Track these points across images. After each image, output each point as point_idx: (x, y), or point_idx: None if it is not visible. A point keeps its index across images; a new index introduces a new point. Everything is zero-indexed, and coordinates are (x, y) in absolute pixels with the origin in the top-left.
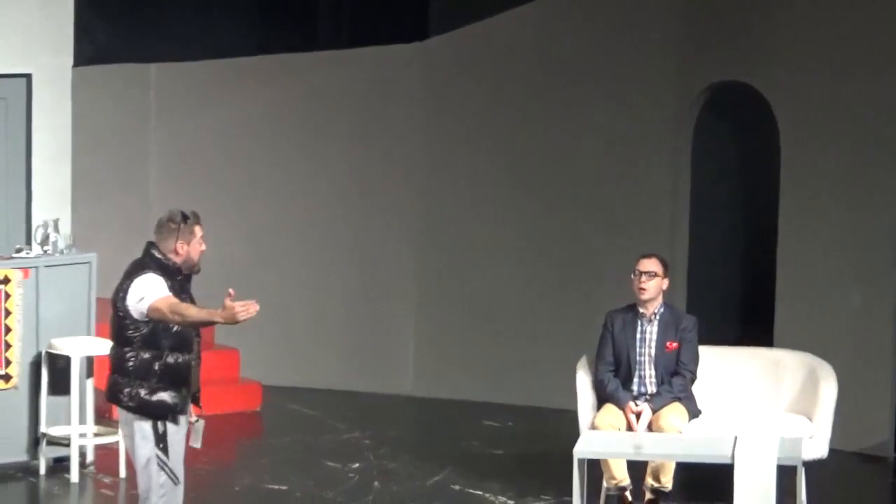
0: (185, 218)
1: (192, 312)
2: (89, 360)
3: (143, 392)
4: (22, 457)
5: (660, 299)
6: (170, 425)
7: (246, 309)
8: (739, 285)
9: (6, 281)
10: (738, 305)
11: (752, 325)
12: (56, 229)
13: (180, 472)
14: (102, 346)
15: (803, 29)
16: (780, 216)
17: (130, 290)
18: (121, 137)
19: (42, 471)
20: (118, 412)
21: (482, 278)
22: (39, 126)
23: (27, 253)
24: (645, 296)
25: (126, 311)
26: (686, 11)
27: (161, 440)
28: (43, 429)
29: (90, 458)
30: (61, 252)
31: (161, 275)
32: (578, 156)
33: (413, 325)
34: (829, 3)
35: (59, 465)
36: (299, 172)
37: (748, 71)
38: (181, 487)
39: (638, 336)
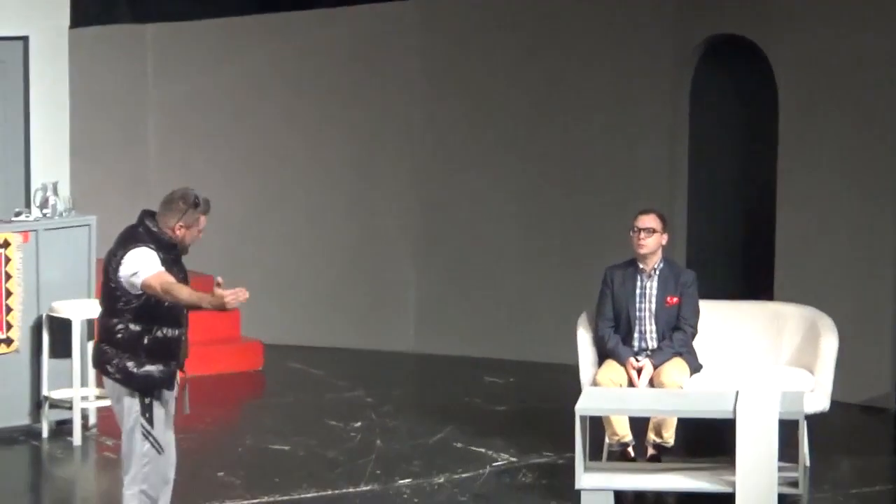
0: (195, 203)
1: (184, 295)
2: (90, 323)
3: (130, 364)
4: (24, 420)
5: (659, 254)
6: (165, 399)
7: (235, 296)
8: (739, 239)
9: (6, 244)
10: (737, 260)
11: (752, 280)
12: (55, 192)
13: (164, 440)
14: None
15: None
16: (779, 169)
17: (123, 263)
18: (119, 99)
19: (45, 434)
20: (104, 379)
21: (482, 234)
22: (37, 89)
23: (27, 216)
24: (643, 251)
25: (118, 283)
26: None
27: (146, 410)
28: (45, 392)
29: (92, 420)
30: (60, 215)
31: (155, 248)
32: (576, 111)
33: (414, 281)
34: None
35: (62, 428)
36: (298, 131)
37: (745, 24)
38: (166, 455)
39: (638, 291)
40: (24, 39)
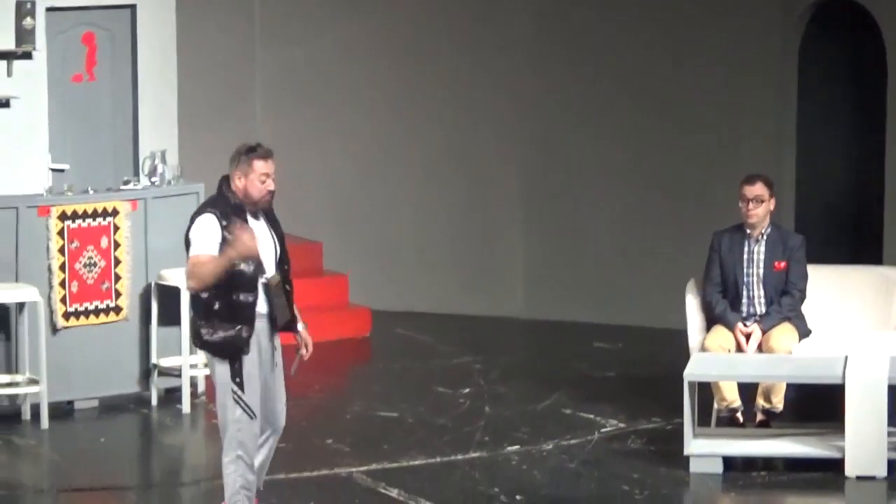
0: (249, 150)
1: (208, 269)
2: None
3: (204, 332)
4: (134, 388)
5: (767, 220)
6: (246, 360)
7: (241, 232)
8: (849, 203)
9: (115, 213)
10: (847, 224)
11: (861, 244)
12: (163, 160)
13: (257, 405)
14: None
15: None
16: (888, 134)
17: (189, 233)
18: (226, 65)
19: (154, 401)
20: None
21: (591, 199)
22: (144, 57)
23: (135, 185)
24: (753, 220)
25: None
26: None
27: (236, 375)
28: (154, 360)
29: (201, 388)
30: (169, 183)
31: (218, 214)
32: (685, 76)
33: (522, 246)
34: None
35: (171, 396)
36: (403, 96)
37: None
38: (257, 421)
39: (745, 256)
40: (132, 7)
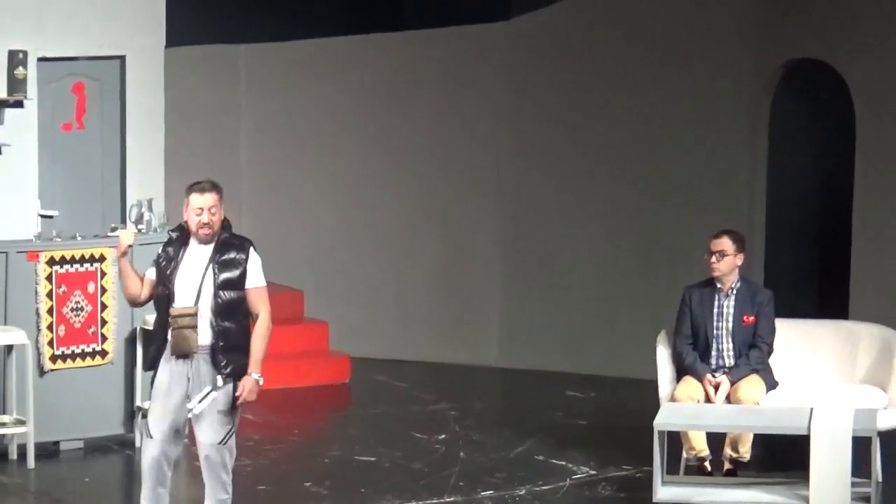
0: (190, 185)
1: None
2: None
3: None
4: (118, 430)
5: (736, 274)
6: (155, 382)
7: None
8: (816, 258)
9: (102, 259)
10: (814, 277)
11: (827, 297)
12: (150, 208)
13: (156, 428)
14: None
15: (881, 7)
16: (856, 190)
17: None
18: (212, 117)
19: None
20: None
21: (565, 252)
22: (133, 107)
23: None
24: (716, 273)
25: None
26: None
27: (148, 394)
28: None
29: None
30: (155, 230)
31: (168, 240)
32: (659, 133)
33: (498, 297)
34: None
35: None
36: (386, 150)
37: (825, 49)
38: (155, 443)
39: (715, 310)
40: (121, 59)
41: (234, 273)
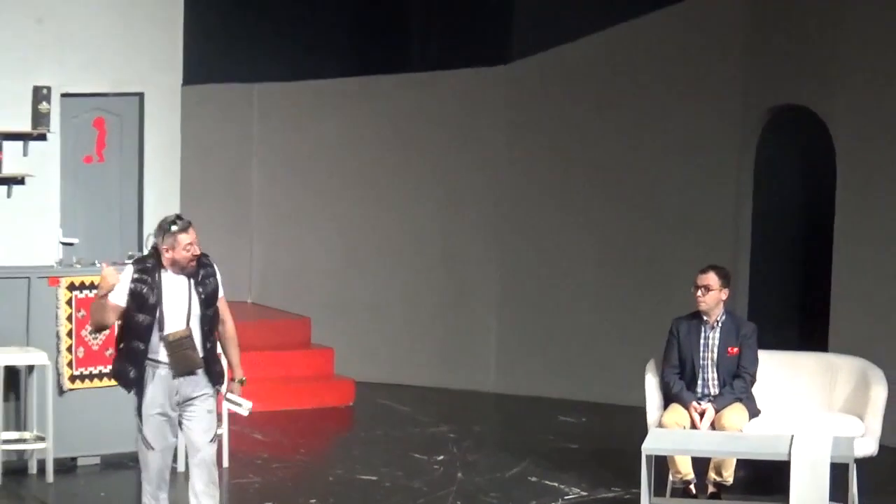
0: (171, 225)
1: (92, 309)
2: None
3: (113, 363)
4: (133, 447)
5: (721, 308)
6: (145, 400)
7: (105, 273)
8: (797, 292)
9: None
10: (795, 310)
11: (808, 329)
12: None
13: (155, 439)
14: None
15: (859, 58)
16: (836, 228)
17: None
18: (225, 151)
19: None
20: None
21: (560, 285)
22: (151, 141)
23: None
24: (702, 307)
25: None
26: (750, 41)
27: (137, 410)
28: None
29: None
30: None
31: (138, 268)
32: (651, 172)
33: (496, 326)
34: (883, 36)
35: None
36: (391, 185)
37: (807, 95)
38: (156, 454)
39: (702, 341)
40: (140, 96)
41: (211, 290)
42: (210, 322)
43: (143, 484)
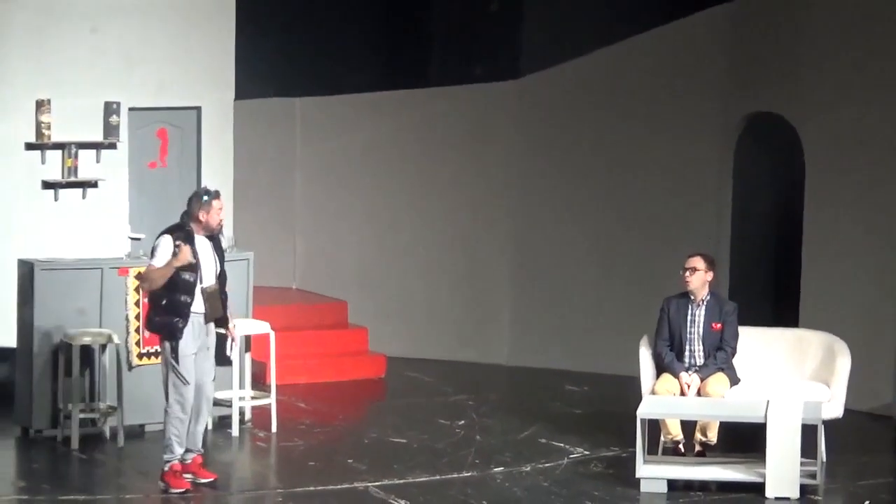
0: (206, 194)
1: (157, 274)
2: (247, 338)
3: (152, 317)
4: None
5: (706, 288)
6: (181, 343)
7: (182, 253)
8: (772, 276)
9: None
10: (771, 291)
11: (782, 307)
12: (222, 234)
13: (190, 375)
14: (259, 327)
15: (827, 70)
16: (805, 221)
17: (153, 248)
18: (272, 157)
19: (210, 426)
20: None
21: (566, 271)
22: (207, 149)
23: None
24: (690, 286)
25: None
26: (729, 56)
27: (174, 352)
28: None
29: (248, 416)
30: (225, 251)
31: (177, 235)
32: (643, 174)
33: (509, 308)
34: (843, 45)
35: (223, 422)
36: (416, 186)
37: (779, 104)
38: (191, 387)
39: (689, 318)
40: (198, 109)
41: (223, 251)
42: (223, 277)
43: (174, 426)
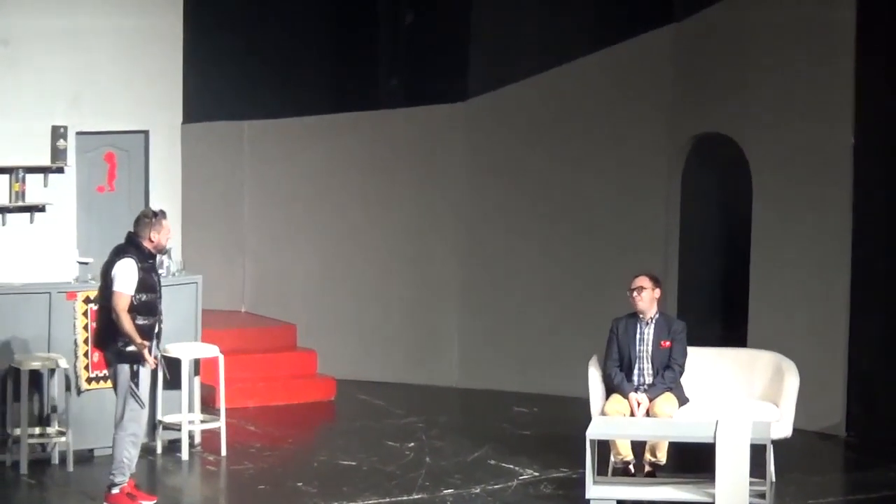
0: (156, 215)
1: (125, 326)
2: (196, 362)
3: (120, 345)
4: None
5: (654, 307)
6: (143, 369)
7: (149, 361)
8: (720, 294)
9: None
10: (718, 309)
11: (730, 326)
12: (169, 256)
13: (146, 398)
14: (208, 350)
15: (770, 90)
16: (753, 241)
17: (114, 270)
18: (221, 180)
19: (159, 450)
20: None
21: (514, 291)
22: (155, 173)
23: None
24: (639, 306)
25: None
26: (675, 77)
27: (134, 376)
28: (159, 416)
29: (197, 440)
30: (174, 275)
31: (136, 259)
32: (591, 193)
33: (457, 329)
34: (791, 69)
35: (173, 446)
36: (365, 208)
37: (726, 125)
38: (146, 410)
39: (637, 336)
40: (146, 133)
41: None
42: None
43: (127, 451)
